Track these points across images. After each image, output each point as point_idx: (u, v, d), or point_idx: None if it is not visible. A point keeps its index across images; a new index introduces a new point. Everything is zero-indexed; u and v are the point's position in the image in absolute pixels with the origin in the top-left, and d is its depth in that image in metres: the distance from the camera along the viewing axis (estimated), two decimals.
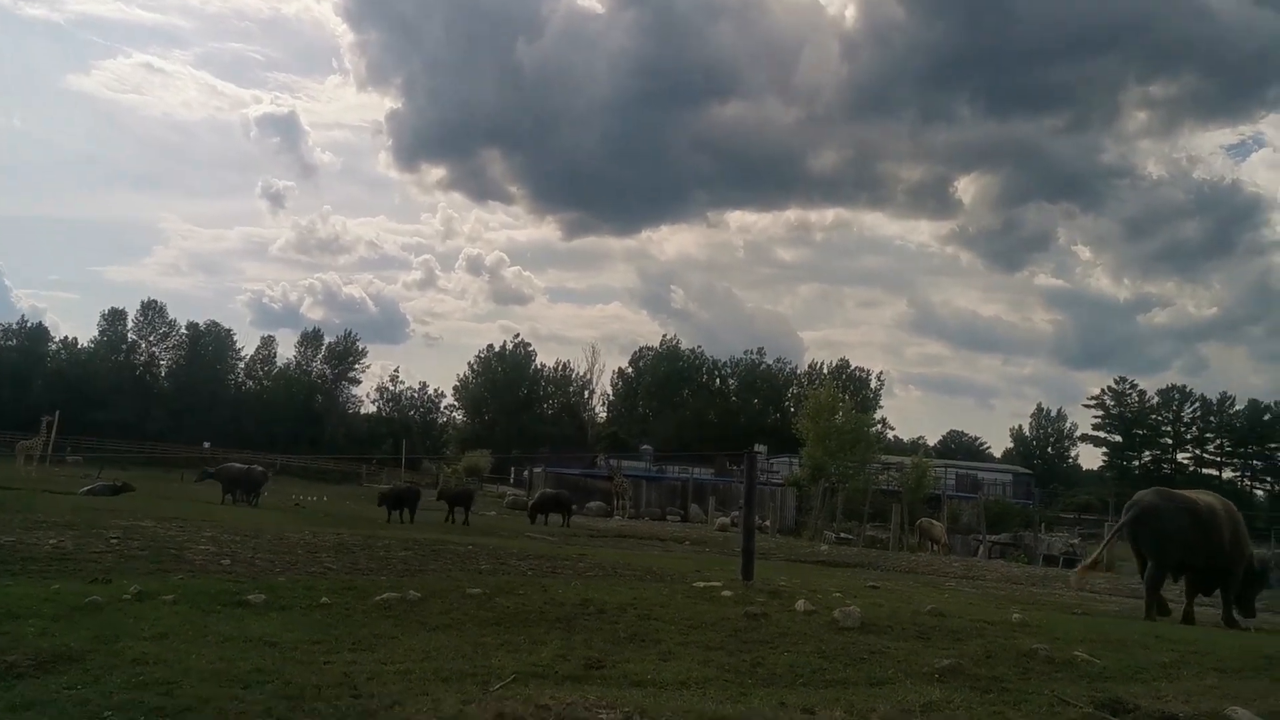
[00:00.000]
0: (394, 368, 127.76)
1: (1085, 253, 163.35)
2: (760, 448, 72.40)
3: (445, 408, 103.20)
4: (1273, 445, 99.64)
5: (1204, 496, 14.11)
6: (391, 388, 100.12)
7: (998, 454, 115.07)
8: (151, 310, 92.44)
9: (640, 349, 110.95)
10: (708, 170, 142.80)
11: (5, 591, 8.03)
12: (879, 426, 64.73)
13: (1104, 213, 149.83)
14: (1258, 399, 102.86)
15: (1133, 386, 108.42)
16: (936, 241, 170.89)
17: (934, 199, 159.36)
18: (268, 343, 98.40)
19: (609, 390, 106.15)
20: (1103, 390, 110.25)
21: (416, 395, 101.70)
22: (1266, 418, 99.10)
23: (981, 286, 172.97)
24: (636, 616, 8.44)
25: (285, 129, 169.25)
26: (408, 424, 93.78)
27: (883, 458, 56.79)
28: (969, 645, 7.81)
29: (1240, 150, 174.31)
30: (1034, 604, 11.89)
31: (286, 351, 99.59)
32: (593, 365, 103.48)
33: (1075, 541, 36.77)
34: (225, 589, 9.03)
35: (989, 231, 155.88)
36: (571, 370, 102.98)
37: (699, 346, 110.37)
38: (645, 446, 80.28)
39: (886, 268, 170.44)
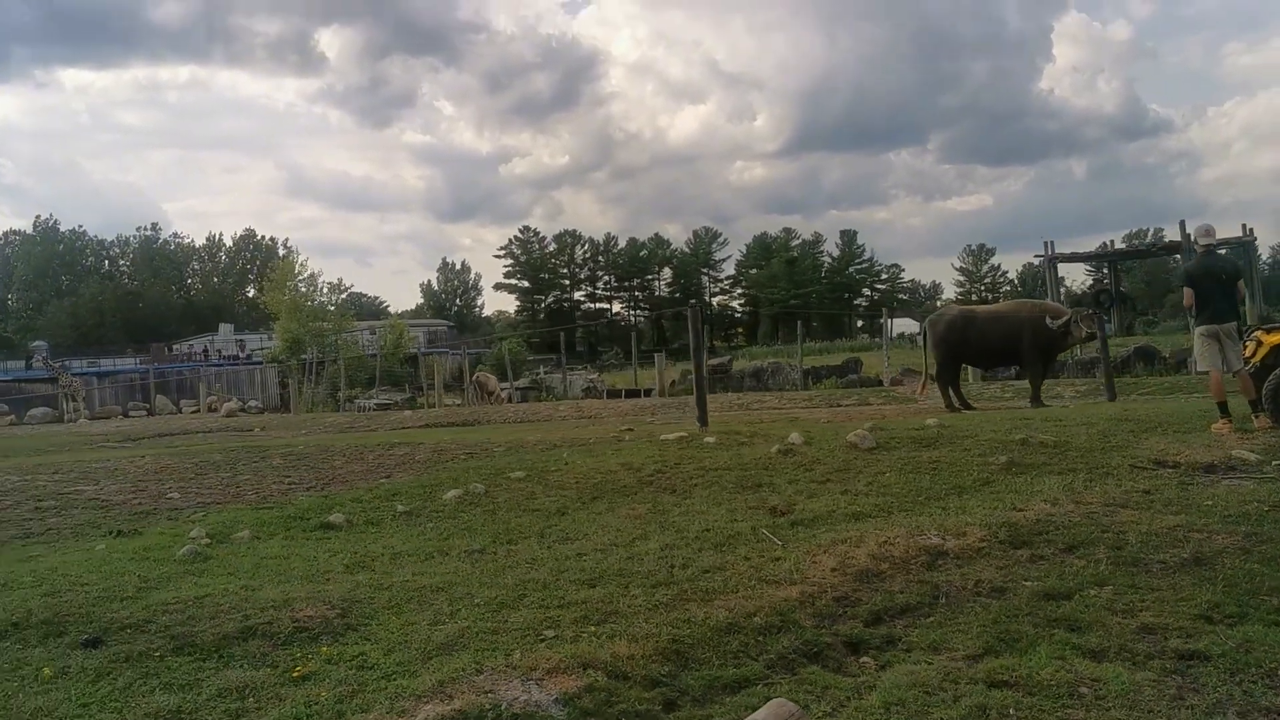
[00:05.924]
0: None
1: (449, 107, 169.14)
2: (226, 326, 68.10)
3: None
4: (650, 276, 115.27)
5: (995, 306, 17.72)
6: None
7: (395, 310, 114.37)
8: None
9: (5, 234, 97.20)
10: (26, 20, 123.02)
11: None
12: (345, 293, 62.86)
13: (464, 68, 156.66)
14: (636, 237, 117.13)
15: (536, 234, 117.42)
16: (303, 100, 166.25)
17: (296, 54, 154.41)
18: None
19: None
20: (510, 240, 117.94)
21: None
22: (643, 254, 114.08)
23: (352, 145, 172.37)
24: (695, 470, 8.76)
25: None
26: None
27: (355, 322, 56.39)
28: (964, 444, 9.19)
29: (572, 6, 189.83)
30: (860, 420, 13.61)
31: None
32: None
33: (594, 376, 40.16)
34: (286, 516, 7.79)
35: (356, 88, 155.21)
36: None
37: (80, 227, 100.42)
38: (38, 343, 73.30)
39: (250, 130, 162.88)
